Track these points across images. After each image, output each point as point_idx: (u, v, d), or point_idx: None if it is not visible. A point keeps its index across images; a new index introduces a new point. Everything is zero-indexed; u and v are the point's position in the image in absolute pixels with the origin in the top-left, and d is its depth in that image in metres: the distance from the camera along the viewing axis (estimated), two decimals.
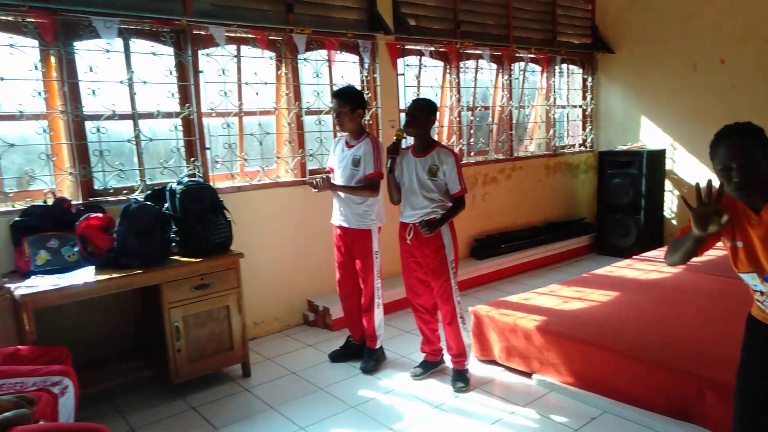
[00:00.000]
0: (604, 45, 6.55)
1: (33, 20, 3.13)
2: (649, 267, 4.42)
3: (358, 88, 4.55)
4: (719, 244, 1.98)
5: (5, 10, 3.04)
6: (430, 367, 3.44)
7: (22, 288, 2.76)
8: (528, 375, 3.28)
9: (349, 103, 3.36)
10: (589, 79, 6.77)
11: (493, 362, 3.48)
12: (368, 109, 4.72)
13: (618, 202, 6.13)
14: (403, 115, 4.98)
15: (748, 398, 2.10)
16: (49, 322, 3.08)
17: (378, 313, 3.58)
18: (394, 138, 3.21)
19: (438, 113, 3.36)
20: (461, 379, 3.25)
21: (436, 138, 4.40)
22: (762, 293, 1.90)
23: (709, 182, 1.84)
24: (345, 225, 3.51)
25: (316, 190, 3.43)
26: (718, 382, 2.46)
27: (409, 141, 3.42)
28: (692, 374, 2.60)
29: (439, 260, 3.19)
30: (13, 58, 3.16)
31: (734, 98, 5.58)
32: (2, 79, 3.10)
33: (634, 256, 4.85)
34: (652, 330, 3.11)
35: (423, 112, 3.18)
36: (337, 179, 3.49)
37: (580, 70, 6.75)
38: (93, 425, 1.98)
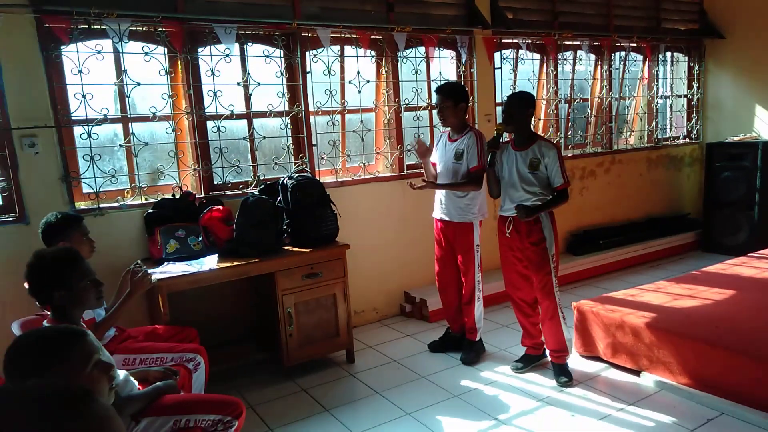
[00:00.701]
0: (713, 30, 6.16)
1: (164, 29, 3.44)
2: (765, 265, 4.15)
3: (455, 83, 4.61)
4: None
5: (141, 21, 3.36)
6: (531, 360, 3.45)
7: (157, 273, 3.05)
8: (636, 373, 3.21)
9: (452, 98, 3.42)
10: (696, 67, 6.40)
11: (597, 358, 3.42)
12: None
13: (728, 197, 5.77)
14: (499, 109, 4.99)
15: None
16: (175, 306, 3.38)
17: (478, 306, 3.62)
18: (494, 132, 3.23)
19: (535, 106, 3.33)
20: (564, 374, 3.23)
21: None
22: None
23: None
24: (447, 219, 3.58)
25: (416, 188, 3.50)
26: None
27: (505, 137, 3.43)
28: None
29: (540, 253, 3.19)
30: (147, 65, 3.49)
31: None
32: (138, 84, 3.43)
33: (749, 254, 4.57)
34: None
35: (518, 105, 3.18)
36: (440, 173, 3.56)
37: (686, 58, 6.39)
38: (230, 398, 2.17)
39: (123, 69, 3.37)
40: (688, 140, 6.52)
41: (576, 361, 3.42)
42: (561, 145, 5.39)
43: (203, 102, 3.67)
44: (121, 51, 3.34)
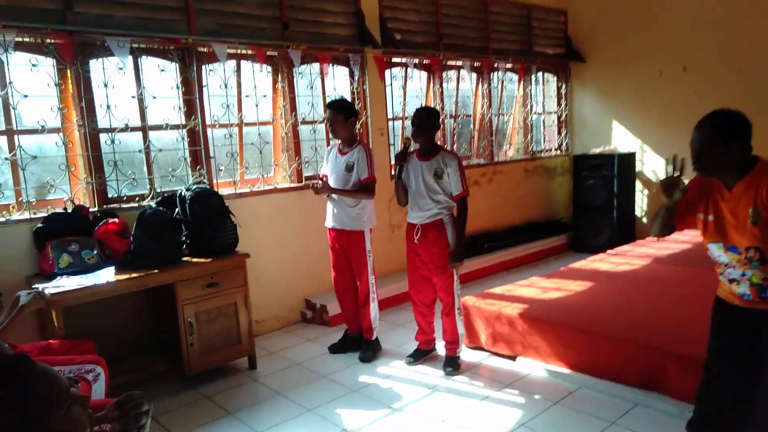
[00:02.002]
0: (576, 54, 6.97)
1: (53, 41, 3.39)
2: (621, 260, 4.80)
3: (349, 98, 4.89)
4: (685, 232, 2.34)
5: (28, 32, 3.30)
6: (423, 354, 3.75)
7: (50, 288, 3.00)
8: (512, 358, 3.61)
9: (343, 113, 3.66)
10: (563, 87, 7.18)
11: (481, 348, 3.80)
12: (360, 118, 5.04)
13: (592, 203, 6.54)
14: (392, 124, 5.33)
15: (710, 367, 2.45)
16: (73, 321, 3.32)
17: (373, 307, 3.87)
18: (402, 146, 3.50)
19: (440, 120, 3.65)
20: (452, 364, 3.57)
21: None
22: (725, 265, 2.25)
23: (675, 156, 2.18)
24: (339, 227, 3.80)
25: (317, 193, 3.71)
26: (680, 354, 2.82)
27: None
28: (657, 349, 2.95)
29: (445, 257, 3.49)
30: (34, 77, 3.41)
31: (696, 102, 6.00)
32: (25, 96, 3.35)
33: (608, 251, 5.23)
34: (623, 313, 3.47)
35: (428, 119, 3.46)
36: (331, 184, 3.78)
37: (555, 78, 7.16)
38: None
39: (9, 81, 3.28)
40: (559, 152, 7.28)
41: (464, 353, 3.77)
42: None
43: (95, 115, 3.64)
44: (6, 62, 3.26)
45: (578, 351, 3.28)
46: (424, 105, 4.11)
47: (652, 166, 6.57)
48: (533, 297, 3.90)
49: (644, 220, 6.74)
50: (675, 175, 2.17)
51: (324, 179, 3.81)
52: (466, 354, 3.77)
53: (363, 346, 3.90)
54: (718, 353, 2.41)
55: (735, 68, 5.78)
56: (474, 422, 2.93)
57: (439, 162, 3.45)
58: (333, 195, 3.75)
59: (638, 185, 6.72)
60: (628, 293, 3.88)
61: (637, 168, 6.69)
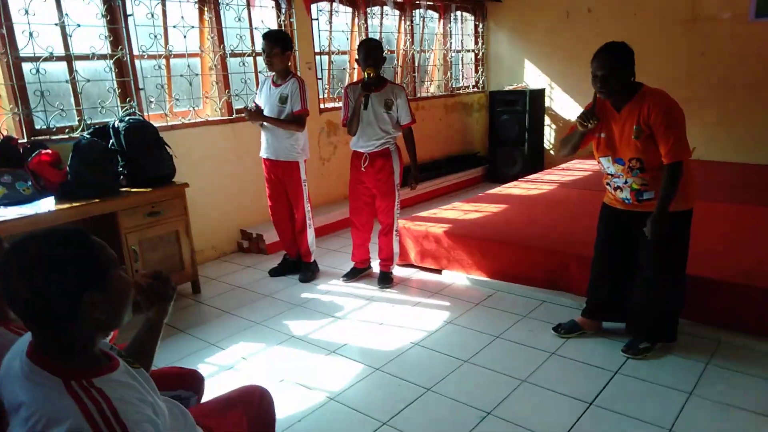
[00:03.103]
0: None
1: None
2: (531, 186, 5.33)
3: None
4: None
5: None
6: (358, 272, 4.09)
7: None
8: (438, 272, 4.04)
9: (280, 45, 3.74)
10: (480, 26, 7.51)
11: (411, 265, 4.20)
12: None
13: (506, 136, 7.04)
14: (319, 58, 5.43)
15: (596, 264, 2.96)
16: None
17: (310, 233, 4.12)
18: (365, 76, 3.51)
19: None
20: (386, 279, 3.94)
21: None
22: (611, 175, 2.71)
23: (595, 95, 2.57)
24: (273, 158, 3.96)
25: (249, 118, 3.82)
26: (579, 255, 3.32)
27: None
28: (560, 252, 3.46)
29: (389, 184, 3.77)
30: None
31: (600, 43, 6.52)
32: None
33: (519, 179, 5.75)
34: (532, 227, 3.96)
35: (380, 50, 3.60)
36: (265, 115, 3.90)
37: (473, 17, 7.46)
38: (190, 370, 2.05)
39: None
40: (476, 89, 7.68)
41: (396, 270, 4.14)
42: None
43: (16, 43, 3.52)
44: None
45: (495, 260, 3.74)
46: (369, 38, 4.13)
47: (560, 101, 7.12)
48: (456, 218, 4.31)
49: (552, 152, 7.35)
50: (591, 110, 2.58)
51: (256, 106, 3.91)
52: (397, 271, 4.14)
53: (302, 268, 4.16)
54: (602, 250, 2.92)
55: (632, 12, 6.32)
56: (408, 323, 3.33)
57: (389, 94, 3.65)
58: (266, 124, 3.86)
59: (547, 120, 7.28)
60: (537, 212, 4.39)
61: (546, 104, 7.23)
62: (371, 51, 3.55)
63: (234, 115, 4.77)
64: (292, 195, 4.02)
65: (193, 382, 1.91)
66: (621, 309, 2.94)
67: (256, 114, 3.81)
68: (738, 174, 5.44)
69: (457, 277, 3.92)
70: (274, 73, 3.90)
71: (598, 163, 2.79)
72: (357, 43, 5.84)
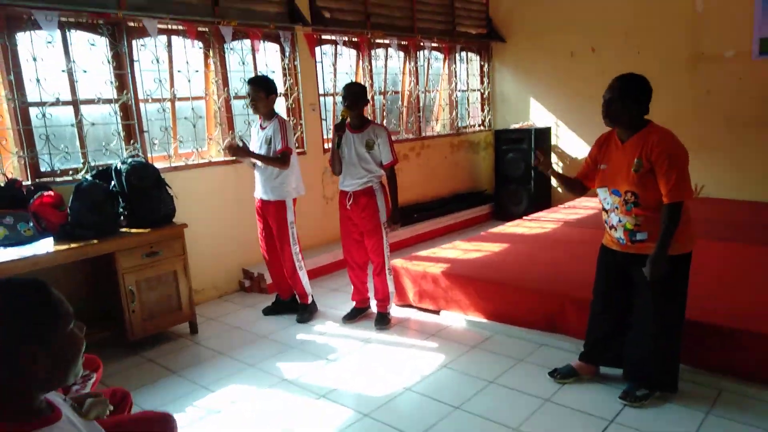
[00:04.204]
0: (497, 35, 7.39)
1: None
2: (535, 224, 5.28)
3: (281, 75, 5.07)
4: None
5: None
6: (358, 313, 4.06)
7: None
8: (436, 312, 3.99)
9: (263, 89, 3.82)
10: (486, 66, 7.60)
11: (409, 305, 4.15)
12: (292, 94, 5.22)
13: (512, 175, 7.03)
14: (323, 99, 5.54)
15: (593, 307, 2.91)
16: None
17: (302, 275, 4.07)
18: (340, 118, 3.68)
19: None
20: (383, 320, 3.90)
21: None
22: (607, 211, 2.69)
23: (535, 150, 2.64)
24: (264, 198, 3.99)
25: (233, 155, 3.86)
26: (576, 298, 3.26)
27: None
28: (558, 294, 3.39)
29: (374, 222, 3.79)
30: None
31: (604, 81, 6.39)
32: None
33: (523, 218, 5.71)
34: (532, 268, 3.91)
35: (360, 94, 3.71)
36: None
37: (478, 57, 7.56)
38: (88, 355, 2.35)
39: None
40: (482, 128, 7.73)
41: (394, 310, 4.10)
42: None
43: (24, 88, 3.64)
44: None
45: (492, 301, 3.68)
46: (352, 81, 4.31)
47: (566, 139, 7.13)
48: (455, 258, 4.28)
49: (559, 190, 7.31)
50: (539, 160, 2.87)
51: (243, 143, 3.95)
52: (395, 311, 4.10)
53: (300, 309, 4.14)
54: (600, 293, 2.87)
55: (635, 50, 6.36)
56: (402, 366, 3.27)
57: (370, 134, 3.73)
58: (257, 164, 3.92)
59: (554, 157, 7.27)
60: (538, 251, 4.34)
61: (553, 141, 7.23)
62: (348, 93, 3.67)
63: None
64: (278, 235, 3.99)
65: (164, 427, 1.89)
66: (618, 354, 2.87)
67: (240, 149, 3.84)
68: (745, 212, 5.34)
69: (455, 319, 3.86)
70: (260, 116, 3.96)
71: (598, 195, 2.79)
72: None
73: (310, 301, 4.17)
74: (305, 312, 4.12)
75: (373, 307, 4.05)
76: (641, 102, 2.55)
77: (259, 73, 4.93)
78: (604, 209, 2.75)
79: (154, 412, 2.02)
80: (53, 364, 1.15)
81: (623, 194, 2.60)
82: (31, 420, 1.14)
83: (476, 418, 2.69)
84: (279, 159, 3.83)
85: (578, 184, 2.94)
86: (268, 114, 3.91)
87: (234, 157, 3.89)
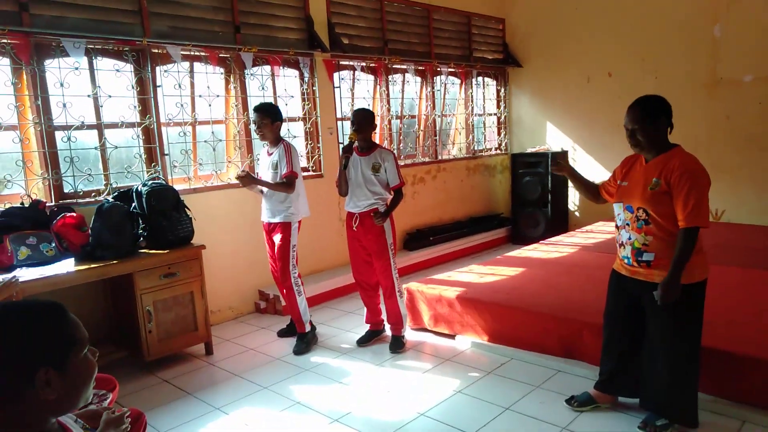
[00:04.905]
0: (513, 60, 7.44)
1: (9, 41, 3.50)
2: (552, 248, 5.24)
3: (299, 99, 5.16)
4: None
5: None
6: (374, 335, 4.05)
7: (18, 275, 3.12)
8: (452, 336, 3.96)
9: (269, 116, 3.88)
10: (502, 90, 7.65)
11: (424, 329, 4.13)
12: (310, 118, 5.30)
13: (529, 198, 7.01)
14: (341, 124, 5.61)
15: (604, 334, 2.87)
16: None
17: (300, 301, 4.00)
18: (348, 140, 3.77)
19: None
20: (397, 343, 3.88)
21: None
22: (619, 228, 2.68)
23: (557, 154, 2.64)
24: (270, 220, 4.02)
25: (243, 185, 3.90)
26: (592, 323, 3.22)
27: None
28: (574, 319, 3.35)
29: (380, 244, 3.81)
30: None
31: (621, 105, 6.40)
32: None
33: (540, 242, 5.68)
34: (548, 292, 3.87)
35: (368, 119, 3.80)
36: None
37: (494, 82, 7.62)
38: (104, 375, 2.40)
39: None
40: (498, 151, 7.74)
41: (409, 334, 4.08)
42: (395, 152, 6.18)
43: (51, 113, 3.75)
44: None
45: (508, 326, 3.65)
46: (361, 107, 4.40)
47: (583, 162, 7.10)
48: (470, 281, 4.26)
49: (577, 213, 7.27)
50: (557, 160, 2.95)
51: (247, 170, 4.00)
52: (410, 335, 4.08)
53: (297, 339, 4.03)
54: (609, 320, 2.84)
55: (653, 75, 6.36)
56: (416, 391, 3.25)
57: (377, 157, 3.78)
58: (264, 190, 3.97)
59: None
60: (554, 276, 4.30)
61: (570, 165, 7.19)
62: (357, 118, 3.77)
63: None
64: (279, 256, 3.96)
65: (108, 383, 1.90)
66: (632, 383, 2.81)
67: (247, 178, 3.89)
68: (766, 238, 5.24)
69: (470, 343, 3.83)
70: (267, 142, 4.01)
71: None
72: (379, 109, 6.04)
73: (307, 329, 4.04)
74: (302, 342, 3.98)
75: (388, 330, 4.04)
76: (664, 122, 2.55)
77: (282, 99, 5.02)
78: (616, 226, 2.74)
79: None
80: (66, 388, 1.16)
81: (635, 210, 2.59)
82: None
83: None
84: (284, 183, 3.87)
85: (594, 188, 2.98)
86: (275, 140, 3.96)
87: (242, 185, 3.95)
